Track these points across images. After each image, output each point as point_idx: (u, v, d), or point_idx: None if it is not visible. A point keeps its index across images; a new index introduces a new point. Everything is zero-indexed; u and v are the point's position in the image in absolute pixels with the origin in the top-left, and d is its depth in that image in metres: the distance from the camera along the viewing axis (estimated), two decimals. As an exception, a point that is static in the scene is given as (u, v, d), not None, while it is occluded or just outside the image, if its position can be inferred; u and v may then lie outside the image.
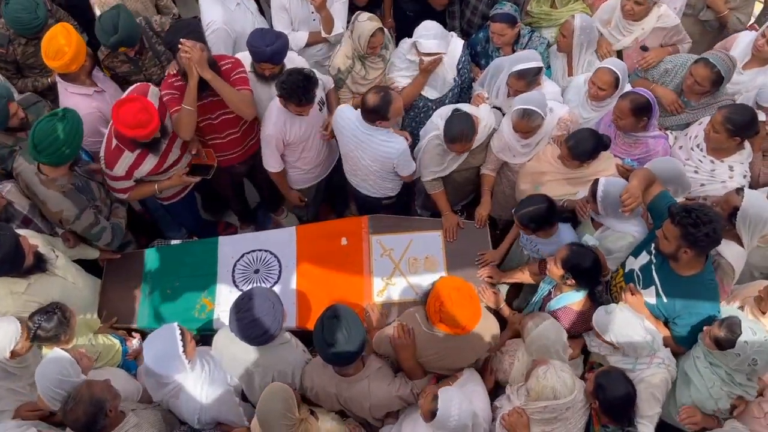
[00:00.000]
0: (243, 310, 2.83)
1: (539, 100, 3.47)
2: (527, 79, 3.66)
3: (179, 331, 2.85)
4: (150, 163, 3.60)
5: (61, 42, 3.49)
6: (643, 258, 3.08)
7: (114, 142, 3.49)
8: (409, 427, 2.85)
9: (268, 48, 3.56)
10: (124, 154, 3.51)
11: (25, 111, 3.57)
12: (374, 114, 3.42)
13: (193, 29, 3.78)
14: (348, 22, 4.21)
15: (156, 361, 2.82)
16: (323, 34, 4.18)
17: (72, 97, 3.71)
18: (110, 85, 3.91)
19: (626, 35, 4.06)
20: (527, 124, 3.46)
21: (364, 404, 2.88)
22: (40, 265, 3.14)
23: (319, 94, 3.76)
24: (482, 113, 3.69)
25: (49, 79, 4.08)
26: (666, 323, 3.03)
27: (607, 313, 2.92)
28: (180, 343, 2.81)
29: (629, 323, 2.86)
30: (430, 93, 4.00)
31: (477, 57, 4.28)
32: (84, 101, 3.70)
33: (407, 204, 4.10)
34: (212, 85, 3.48)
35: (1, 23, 3.95)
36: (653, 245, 2.99)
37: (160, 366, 2.83)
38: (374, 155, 3.58)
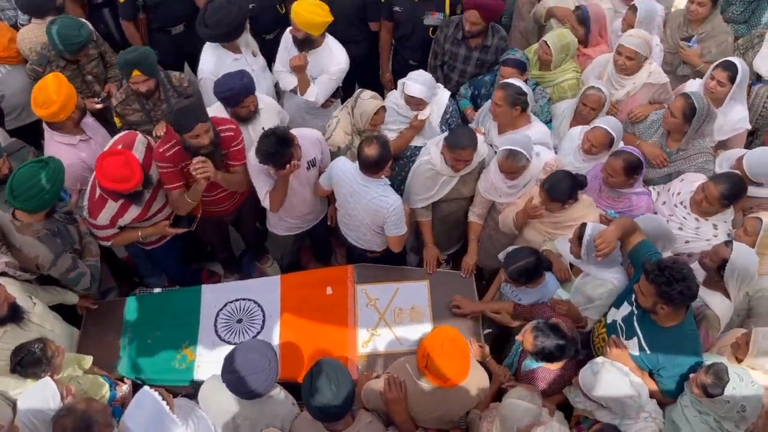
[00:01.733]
0: (237, 363, 2.75)
1: (525, 142, 3.57)
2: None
3: (154, 391, 2.78)
4: (133, 212, 3.58)
5: (51, 92, 3.53)
6: (625, 309, 3.09)
7: (98, 192, 3.47)
8: None
9: (244, 80, 3.65)
10: (108, 204, 3.48)
11: (9, 158, 3.55)
12: (376, 166, 3.41)
13: (199, 115, 3.44)
14: (340, 98, 4.45)
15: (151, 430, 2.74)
16: (298, 93, 4.28)
17: (56, 146, 3.71)
18: (99, 132, 3.90)
19: (618, 89, 4.17)
20: (512, 164, 3.53)
21: (355, 459, 2.80)
22: (13, 316, 3.07)
23: (312, 153, 3.76)
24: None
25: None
26: (651, 374, 3.02)
27: (593, 373, 2.87)
28: (163, 402, 2.75)
29: (616, 382, 2.82)
30: (417, 141, 4.07)
31: (479, 99, 4.36)
32: (68, 151, 3.70)
33: (400, 258, 4.09)
34: (219, 182, 3.60)
35: (44, 44, 4.06)
36: (634, 296, 2.99)
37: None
38: (368, 208, 3.56)
